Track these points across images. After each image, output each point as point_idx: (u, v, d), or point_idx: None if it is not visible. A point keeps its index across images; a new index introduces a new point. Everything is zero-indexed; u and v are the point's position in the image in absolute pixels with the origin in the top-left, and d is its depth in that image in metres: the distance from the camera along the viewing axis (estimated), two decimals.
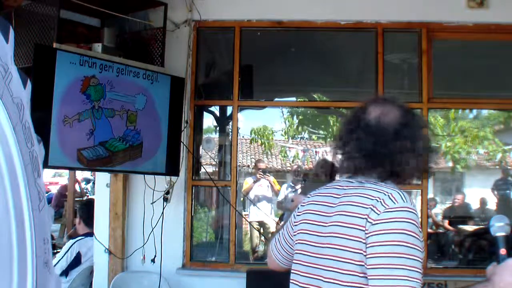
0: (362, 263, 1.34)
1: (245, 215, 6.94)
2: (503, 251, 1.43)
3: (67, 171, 9.28)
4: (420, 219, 3.94)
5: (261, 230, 6.79)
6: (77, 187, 9.84)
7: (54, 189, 11.87)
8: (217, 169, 6.43)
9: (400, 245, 1.30)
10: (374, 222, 1.35)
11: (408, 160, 1.46)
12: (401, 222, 1.33)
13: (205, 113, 4.97)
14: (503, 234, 1.46)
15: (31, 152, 1.02)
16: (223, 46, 4.36)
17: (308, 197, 1.63)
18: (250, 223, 6.67)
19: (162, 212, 3.67)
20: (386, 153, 1.46)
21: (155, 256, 3.67)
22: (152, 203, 3.68)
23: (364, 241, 1.35)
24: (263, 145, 13.49)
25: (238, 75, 3.92)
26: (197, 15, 3.82)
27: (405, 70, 4.70)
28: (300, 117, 12.53)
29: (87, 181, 13.57)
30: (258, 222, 6.91)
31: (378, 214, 1.35)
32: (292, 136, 13.61)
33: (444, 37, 3.95)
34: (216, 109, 5.37)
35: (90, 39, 3.40)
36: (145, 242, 3.70)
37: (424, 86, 3.83)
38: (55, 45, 2.94)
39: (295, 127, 12.97)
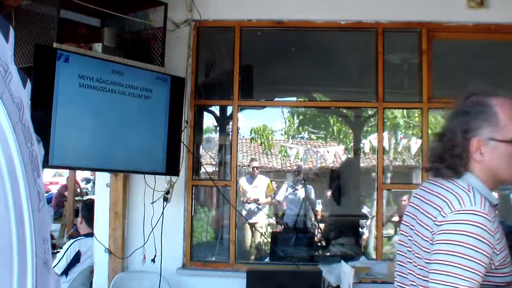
0: (428, 261, 1.41)
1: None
2: None
3: (67, 171, 9.28)
4: None
5: (253, 230, 6.76)
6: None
7: (54, 189, 11.86)
8: (217, 169, 6.43)
9: (459, 245, 1.34)
10: (439, 224, 1.40)
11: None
12: (464, 224, 1.36)
13: (205, 113, 4.97)
14: None
15: (30, 152, 1.02)
16: (223, 46, 4.36)
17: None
18: (250, 223, 6.67)
19: (162, 212, 3.68)
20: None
21: (155, 256, 3.67)
22: (152, 203, 3.68)
23: (430, 241, 1.42)
24: (263, 145, 13.48)
25: (238, 75, 3.92)
26: (197, 15, 3.82)
27: (405, 70, 4.70)
28: (300, 117, 12.51)
29: (87, 181, 13.58)
30: (253, 222, 6.91)
31: (444, 217, 1.40)
32: (292, 136, 13.60)
33: (444, 37, 3.95)
34: (216, 109, 5.37)
35: (90, 39, 3.40)
36: (145, 242, 3.70)
37: (424, 86, 3.83)
38: (55, 45, 2.94)
39: (295, 127, 12.95)
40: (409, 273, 1.52)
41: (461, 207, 1.38)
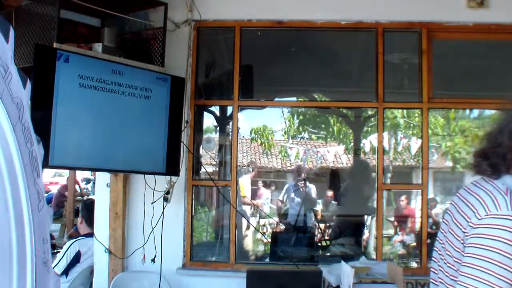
0: (459, 262, 1.41)
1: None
2: None
3: (67, 171, 9.28)
4: (420, 219, 3.90)
5: (248, 228, 6.77)
6: (76, 187, 9.84)
7: (54, 189, 11.86)
8: (217, 169, 6.43)
9: (492, 251, 1.33)
10: (474, 226, 1.38)
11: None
12: (498, 230, 1.34)
13: (205, 113, 4.97)
14: None
15: (30, 152, 1.02)
16: (223, 46, 4.37)
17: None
18: (250, 223, 6.67)
19: (162, 212, 3.68)
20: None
21: (155, 256, 3.67)
22: (152, 203, 3.68)
23: (462, 241, 1.41)
24: (263, 145, 13.49)
25: (238, 75, 3.93)
26: (197, 15, 3.82)
27: (405, 70, 4.70)
28: (300, 117, 12.51)
29: (87, 181, 13.59)
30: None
31: (479, 219, 1.38)
32: (292, 136, 13.60)
33: (444, 37, 3.95)
34: (216, 109, 5.36)
35: (90, 39, 3.40)
36: (145, 242, 3.70)
37: (424, 86, 3.83)
38: (55, 45, 2.94)
39: (295, 127, 12.96)
40: (439, 270, 1.52)
41: (497, 211, 1.36)
